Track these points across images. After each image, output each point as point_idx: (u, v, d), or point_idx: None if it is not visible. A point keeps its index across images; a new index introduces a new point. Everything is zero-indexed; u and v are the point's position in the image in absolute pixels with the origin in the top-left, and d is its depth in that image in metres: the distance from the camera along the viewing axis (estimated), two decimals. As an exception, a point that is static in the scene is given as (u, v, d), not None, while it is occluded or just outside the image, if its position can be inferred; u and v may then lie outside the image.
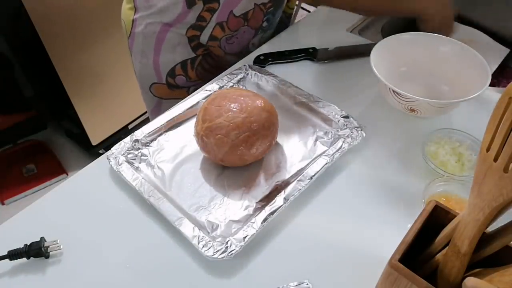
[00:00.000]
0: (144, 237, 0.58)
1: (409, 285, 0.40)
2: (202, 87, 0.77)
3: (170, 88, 0.90)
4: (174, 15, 0.80)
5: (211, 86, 0.77)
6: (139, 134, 0.69)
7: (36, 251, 0.55)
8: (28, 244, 0.55)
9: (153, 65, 0.87)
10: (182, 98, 0.76)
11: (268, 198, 0.60)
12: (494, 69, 0.91)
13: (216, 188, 0.63)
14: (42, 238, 0.56)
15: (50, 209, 0.62)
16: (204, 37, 0.83)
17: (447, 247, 0.42)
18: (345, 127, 0.69)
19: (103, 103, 1.69)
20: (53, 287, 0.54)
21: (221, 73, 0.83)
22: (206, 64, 0.88)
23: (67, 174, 1.75)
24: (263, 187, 0.62)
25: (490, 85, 0.67)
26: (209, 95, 0.72)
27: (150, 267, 0.55)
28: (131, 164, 0.65)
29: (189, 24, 0.81)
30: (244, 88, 0.78)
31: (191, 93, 0.86)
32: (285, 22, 0.99)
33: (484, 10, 1.02)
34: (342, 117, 0.70)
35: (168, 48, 0.85)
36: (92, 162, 0.68)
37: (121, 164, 0.64)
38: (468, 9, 1.05)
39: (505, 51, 1.00)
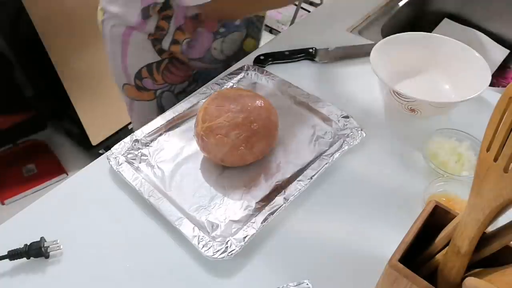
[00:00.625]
0: (144, 237, 0.58)
1: (409, 285, 0.40)
2: (202, 87, 0.77)
3: (139, 90, 0.90)
4: (132, 22, 0.79)
5: (211, 86, 0.77)
6: (139, 134, 0.69)
7: (36, 251, 0.55)
8: (28, 244, 0.55)
9: (122, 67, 0.87)
10: (151, 100, 0.78)
11: (268, 198, 0.60)
12: (493, 70, 0.91)
13: (216, 188, 0.63)
14: (42, 238, 0.56)
15: (50, 209, 0.62)
16: (165, 44, 0.81)
17: (447, 247, 0.42)
18: (345, 127, 0.69)
19: (103, 103, 1.69)
20: (53, 287, 0.54)
21: (188, 78, 0.85)
22: (173, 68, 0.87)
23: (67, 174, 1.75)
24: (263, 187, 0.62)
25: (490, 85, 0.67)
26: (209, 95, 0.72)
27: (150, 267, 0.55)
28: (131, 164, 0.65)
29: (149, 32, 0.80)
30: (244, 88, 0.78)
31: (159, 96, 0.88)
32: (257, 26, 0.93)
33: (485, 11, 1.03)
34: (342, 117, 0.70)
35: (133, 51, 0.84)
36: (92, 162, 0.68)
37: (121, 164, 0.64)
38: (468, 11, 1.05)
39: (504, 52, 1.00)
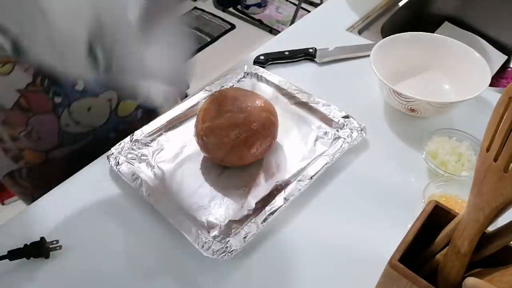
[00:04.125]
0: (144, 237, 0.58)
1: (409, 285, 0.40)
2: (202, 87, 0.77)
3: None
4: None
5: (211, 86, 0.77)
6: (139, 134, 0.69)
7: (36, 251, 0.55)
8: (28, 244, 0.55)
9: None
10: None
11: (268, 198, 0.60)
12: (492, 74, 0.91)
13: (216, 188, 0.63)
14: (42, 238, 0.56)
15: (50, 209, 0.62)
16: (8, 144, 0.67)
17: (447, 247, 0.42)
18: (345, 127, 0.69)
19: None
20: (53, 287, 0.54)
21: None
22: (37, 173, 0.72)
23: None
24: (263, 187, 0.62)
25: (490, 85, 0.67)
26: (209, 95, 0.72)
27: (150, 267, 0.55)
28: (131, 164, 0.65)
29: None
30: (244, 88, 0.78)
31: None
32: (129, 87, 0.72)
33: (485, 16, 1.03)
34: (342, 117, 0.70)
35: None
36: (92, 162, 0.68)
37: (121, 164, 0.64)
38: (468, 14, 1.05)
39: (502, 58, 1.00)
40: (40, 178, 0.68)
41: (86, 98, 0.67)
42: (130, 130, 0.68)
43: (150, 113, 0.80)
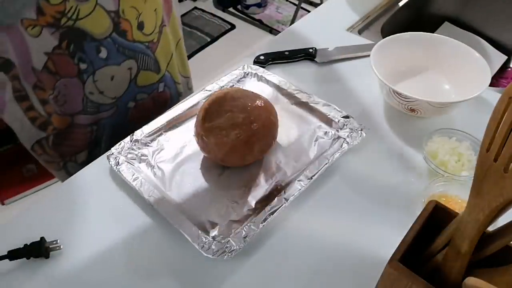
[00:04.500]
0: (144, 237, 0.58)
1: (409, 285, 0.40)
2: (203, 87, 0.77)
3: (42, 162, 0.80)
4: None
5: (211, 86, 0.77)
6: (139, 134, 0.69)
7: (36, 251, 0.55)
8: (28, 244, 0.55)
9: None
10: (59, 170, 0.70)
11: (268, 198, 0.60)
12: (492, 74, 0.91)
13: (216, 188, 0.63)
14: (42, 238, 0.56)
15: (50, 209, 0.62)
16: (37, 106, 0.70)
17: (447, 247, 0.42)
18: (345, 127, 0.69)
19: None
20: (53, 287, 0.54)
21: (85, 147, 0.73)
22: (62, 140, 0.76)
23: (67, 174, 1.75)
24: (263, 187, 0.62)
25: (490, 85, 0.67)
26: (209, 95, 0.72)
27: (150, 267, 0.55)
28: (131, 164, 0.65)
29: (8, 104, 0.68)
30: (244, 88, 0.78)
31: (63, 167, 0.77)
32: (146, 52, 0.75)
33: (485, 17, 1.03)
34: (342, 117, 0.70)
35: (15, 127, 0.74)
36: (92, 162, 0.68)
37: (121, 164, 0.64)
38: (468, 16, 1.05)
39: (502, 58, 1.00)
40: (66, 145, 0.73)
41: (109, 66, 0.70)
42: (147, 100, 0.72)
43: (171, 89, 0.84)
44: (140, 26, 0.69)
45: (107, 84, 0.72)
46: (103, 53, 0.68)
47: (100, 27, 0.66)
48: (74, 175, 0.66)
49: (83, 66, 0.68)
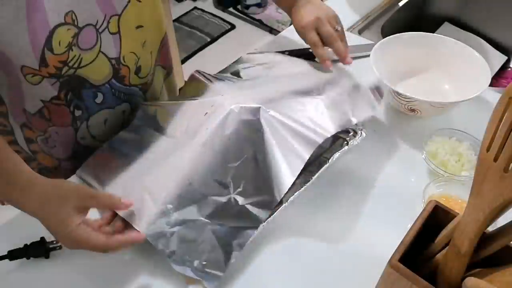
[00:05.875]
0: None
1: (409, 285, 0.40)
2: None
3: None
4: None
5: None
6: None
7: (36, 251, 0.55)
8: (28, 244, 0.55)
9: None
10: None
11: (268, 198, 0.60)
12: (492, 74, 0.91)
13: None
14: (42, 238, 0.56)
15: (50, 209, 0.62)
16: (21, 142, 0.67)
17: (447, 247, 0.42)
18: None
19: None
20: (53, 287, 0.54)
21: None
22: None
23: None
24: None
25: (490, 85, 0.67)
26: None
27: (150, 266, 0.55)
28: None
29: None
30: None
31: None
32: (139, 94, 0.73)
33: (484, 17, 1.03)
34: (342, 117, 0.70)
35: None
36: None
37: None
38: (468, 16, 1.05)
39: (502, 58, 1.00)
40: (52, 176, 0.68)
41: (103, 110, 0.69)
42: None
43: None
44: (137, 70, 0.70)
45: (99, 129, 0.71)
46: (99, 98, 0.68)
47: (100, 74, 0.66)
48: (74, 174, 0.66)
49: (78, 113, 0.66)
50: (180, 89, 0.79)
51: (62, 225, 0.50)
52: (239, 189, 0.56)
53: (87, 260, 0.56)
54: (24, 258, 0.55)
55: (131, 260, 0.56)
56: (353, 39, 0.91)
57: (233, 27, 2.45)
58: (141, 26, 0.67)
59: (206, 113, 0.61)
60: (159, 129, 0.64)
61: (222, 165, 0.57)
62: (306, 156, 0.57)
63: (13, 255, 0.54)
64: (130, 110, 0.73)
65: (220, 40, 2.39)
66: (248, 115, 0.59)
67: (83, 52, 0.61)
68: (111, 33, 0.63)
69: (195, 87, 0.68)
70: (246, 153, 0.57)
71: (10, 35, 0.53)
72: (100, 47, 0.63)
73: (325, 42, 0.73)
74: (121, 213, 0.55)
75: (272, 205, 0.56)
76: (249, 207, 0.56)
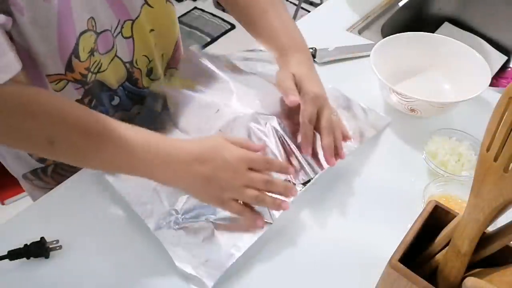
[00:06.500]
0: (144, 237, 0.58)
1: (409, 285, 0.40)
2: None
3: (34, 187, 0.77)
4: None
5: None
6: None
7: (36, 251, 0.55)
8: (28, 244, 0.55)
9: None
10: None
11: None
12: (492, 74, 0.92)
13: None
14: (42, 238, 0.56)
15: (50, 209, 0.62)
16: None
17: (447, 247, 0.42)
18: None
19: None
20: (53, 287, 0.54)
21: None
22: (62, 170, 0.73)
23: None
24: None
25: (490, 85, 0.67)
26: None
27: (149, 267, 0.55)
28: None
29: None
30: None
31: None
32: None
33: (485, 17, 1.03)
34: (342, 117, 0.70)
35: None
36: (92, 162, 0.68)
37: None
38: (468, 16, 1.05)
39: (502, 58, 1.00)
40: (68, 173, 0.69)
41: (118, 112, 0.71)
42: None
43: None
44: (149, 73, 0.72)
45: None
46: (115, 101, 0.70)
47: (116, 77, 0.67)
48: (74, 175, 0.66)
49: None
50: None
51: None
52: None
53: (87, 260, 0.56)
54: (24, 258, 0.55)
55: (131, 260, 0.56)
56: (353, 39, 0.91)
57: (233, 27, 2.45)
58: (154, 30, 0.69)
59: (218, 110, 0.64)
60: (172, 119, 0.67)
61: None
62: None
63: (13, 255, 0.54)
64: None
65: (220, 40, 2.39)
66: (258, 123, 0.62)
67: (102, 57, 0.63)
68: (125, 37, 0.65)
69: (196, 72, 0.70)
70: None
71: (39, 43, 0.54)
72: (116, 51, 0.65)
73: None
74: (133, 206, 0.57)
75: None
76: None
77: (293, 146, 0.62)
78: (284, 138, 0.62)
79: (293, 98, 0.59)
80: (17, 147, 0.56)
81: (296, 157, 0.61)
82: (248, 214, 0.55)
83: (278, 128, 0.62)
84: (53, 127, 0.49)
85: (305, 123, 0.59)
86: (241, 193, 0.53)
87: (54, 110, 0.49)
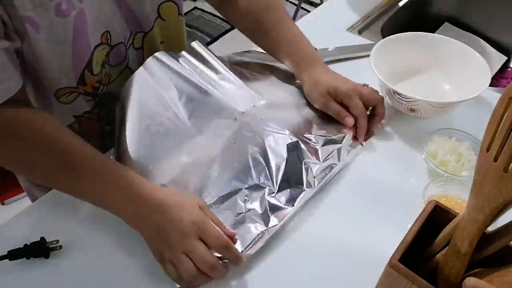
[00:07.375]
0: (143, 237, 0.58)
1: (409, 285, 0.40)
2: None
3: None
4: None
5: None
6: None
7: (36, 251, 0.55)
8: (28, 244, 0.55)
9: None
10: None
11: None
12: (492, 74, 0.92)
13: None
14: (42, 238, 0.56)
15: (50, 209, 0.62)
16: None
17: (447, 247, 0.42)
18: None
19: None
20: (53, 287, 0.54)
21: None
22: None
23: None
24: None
25: (490, 85, 0.67)
26: None
27: (149, 267, 0.55)
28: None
29: None
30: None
31: None
32: None
33: (484, 17, 1.03)
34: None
35: None
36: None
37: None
38: (468, 16, 1.05)
39: (502, 59, 1.00)
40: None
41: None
42: None
43: None
44: None
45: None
46: None
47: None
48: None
49: (107, 128, 0.70)
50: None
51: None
52: None
53: (87, 260, 0.56)
54: (24, 258, 0.55)
55: (131, 260, 0.56)
56: (353, 39, 0.91)
57: (233, 27, 2.44)
58: (164, 42, 0.70)
59: (236, 118, 0.63)
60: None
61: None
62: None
63: (13, 255, 0.54)
64: None
65: (220, 40, 2.39)
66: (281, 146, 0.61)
67: (112, 69, 0.63)
68: (135, 49, 0.66)
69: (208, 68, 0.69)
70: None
71: (54, 59, 0.54)
72: (128, 62, 0.65)
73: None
74: None
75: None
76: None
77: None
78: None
79: (351, 120, 0.65)
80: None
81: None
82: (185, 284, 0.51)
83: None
84: (34, 154, 0.52)
85: (361, 117, 0.65)
86: (177, 260, 0.49)
87: (40, 138, 0.52)
